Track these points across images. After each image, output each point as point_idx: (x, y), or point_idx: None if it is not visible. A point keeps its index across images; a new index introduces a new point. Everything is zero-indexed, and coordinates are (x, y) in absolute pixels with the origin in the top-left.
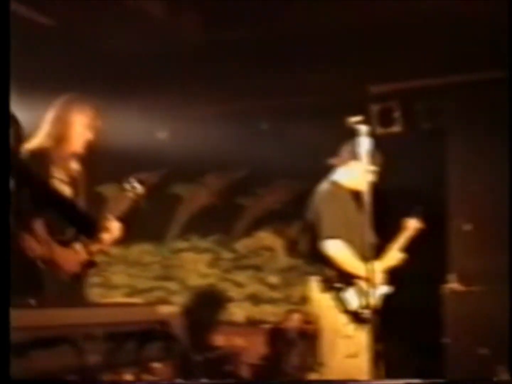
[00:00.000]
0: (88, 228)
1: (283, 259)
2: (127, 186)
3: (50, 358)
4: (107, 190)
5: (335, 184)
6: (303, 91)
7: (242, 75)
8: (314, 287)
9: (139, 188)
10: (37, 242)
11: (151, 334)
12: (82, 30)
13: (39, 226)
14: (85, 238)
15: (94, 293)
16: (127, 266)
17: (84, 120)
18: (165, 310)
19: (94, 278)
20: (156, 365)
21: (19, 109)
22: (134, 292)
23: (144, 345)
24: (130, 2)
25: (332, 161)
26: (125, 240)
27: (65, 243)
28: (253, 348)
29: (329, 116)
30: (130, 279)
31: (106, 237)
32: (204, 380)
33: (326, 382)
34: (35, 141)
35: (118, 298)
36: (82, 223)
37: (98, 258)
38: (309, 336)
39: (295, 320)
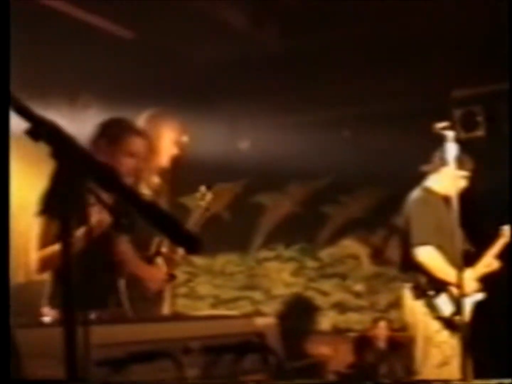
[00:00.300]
0: (184, 238)
1: (368, 267)
2: (197, 195)
3: (149, 373)
4: (189, 201)
5: (427, 190)
6: (385, 97)
7: (322, 83)
8: (406, 294)
9: (208, 195)
10: (124, 259)
11: (248, 346)
12: (163, 43)
13: (126, 243)
14: (183, 250)
15: (181, 304)
16: (212, 276)
17: (171, 135)
18: (261, 321)
19: (180, 289)
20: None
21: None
22: (219, 302)
23: (240, 358)
24: (211, 13)
25: (424, 167)
26: (209, 250)
27: (149, 259)
28: (339, 357)
29: (411, 122)
30: (215, 289)
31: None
32: None
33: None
34: None
35: (204, 308)
36: (177, 234)
37: (184, 270)
38: (396, 344)
39: (381, 328)
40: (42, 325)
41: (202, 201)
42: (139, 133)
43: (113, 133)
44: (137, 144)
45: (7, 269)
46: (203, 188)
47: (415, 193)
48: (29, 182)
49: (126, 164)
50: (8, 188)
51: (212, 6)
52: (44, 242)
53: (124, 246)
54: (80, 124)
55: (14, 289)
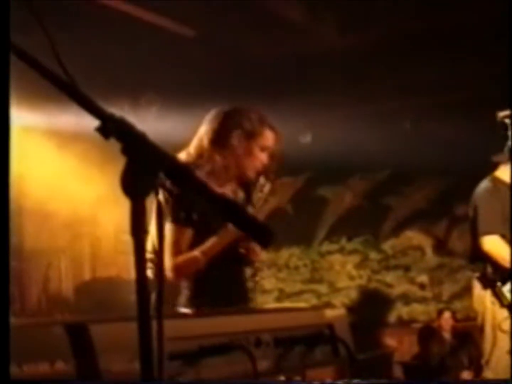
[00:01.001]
0: (258, 231)
1: (431, 258)
2: (256, 186)
3: (221, 366)
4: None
5: (496, 180)
6: (447, 87)
7: (382, 76)
8: (474, 284)
9: (267, 186)
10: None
11: (318, 338)
12: (224, 40)
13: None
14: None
15: None
16: (276, 270)
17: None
18: (330, 313)
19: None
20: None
21: (165, 121)
22: (283, 296)
23: (311, 349)
24: (270, 9)
25: (494, 158)
26: (273, 244)
27: None
28: (404, 348)
29: (474, 111)
30: (280, 283)
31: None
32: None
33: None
34: (190, 149)
35: (269, 302)
36: (251, 227)
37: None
38: (461, 334)
39: (446, 319)
40: (116, 319)
41: (261, 192)
42: (272, 127)
43: (249, 125)
44: (270, 138)
45: (7, 268)
46: (262, 179)
47: (484, 183)
48: (103, 179)
49: (260, 159)
50: (8, 188)
51: (272, 2)
52: (178, 249)
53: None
54: (143, 122)
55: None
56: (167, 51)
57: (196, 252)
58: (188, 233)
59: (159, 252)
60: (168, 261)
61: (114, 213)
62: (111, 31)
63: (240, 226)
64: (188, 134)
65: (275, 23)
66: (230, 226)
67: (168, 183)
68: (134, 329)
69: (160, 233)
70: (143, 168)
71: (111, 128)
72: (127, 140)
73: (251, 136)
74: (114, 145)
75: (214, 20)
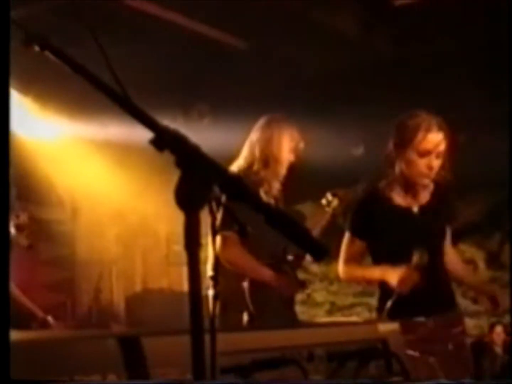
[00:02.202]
0: (312, 246)
1: (483, 272)
2: (323, 201)
3: (275, 380)
4: (305, 208)
5: None
6: (496, 99)
7: (435, 88)
8: None
9: (335, 202)
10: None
11: (371, 352)
12: (276, 52)
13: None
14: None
15: (298, 311)
16: (328, 283)
17: (289, 143)
18: (384, 327)
19: (297, 296)
20: None
21: (216, 133)
22: (334, 309)
23: (364, 364)
24: (323, 21)
25: None
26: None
27: (276, 267)
28: None
29: None
30: (331, 296)
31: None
32: None
33: None
34: (241, 162)
35: (320, 315)
36: (306, 242)
37: (300, 276)
38: None
39: (498, 333)
40: (169, 332)
41: (328, 207)
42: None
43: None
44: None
45: (7, 269)
46: (329, 195)
47: None
48: (154, 191)
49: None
50: (8, 188)
51: (324, 14)
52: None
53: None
54: (195, 134)
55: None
56: (219, 62)
57: None
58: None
59: (214, 263)
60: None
61: (166, 224)
62: (164, 43)
63: (295, 240)
64: (239, 145)
65: (327, 35)
66: None
67: (222, 196)
68: (187, 342)
69: (214, 245)
70: (198, 181)
71: (166, 140)
72: (181, 153)
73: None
74: (165, 158)
75: (266, 32)
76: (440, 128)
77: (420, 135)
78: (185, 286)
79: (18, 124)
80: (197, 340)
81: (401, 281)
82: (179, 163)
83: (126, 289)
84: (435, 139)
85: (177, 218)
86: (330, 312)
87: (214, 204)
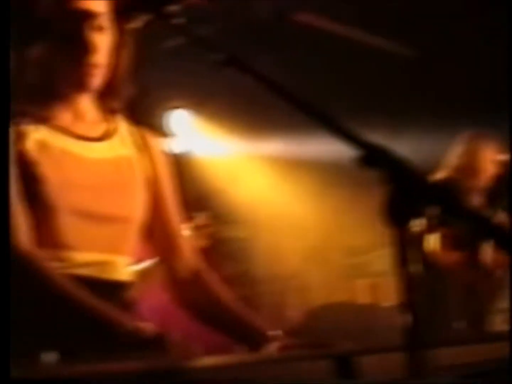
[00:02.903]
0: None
1: None
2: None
3: None
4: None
5: None
6: None
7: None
8: None
9: None
10: None
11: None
12: (445, 61)
13: None
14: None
15: None
16: None
17: (491, 156)
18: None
19: None
20: None
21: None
22: None
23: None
24: None
25: None
26: None
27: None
28: None
29: None
30: None
31: None
32: None
33: None
34: (443, 172)
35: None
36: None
37: None
38: None
39: None
40: (378, 349)
41: None
42: None
43: None
44: None
45: (8, 268)
46: None
47: None
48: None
49: None
50: (8, 188)
51: None
52: None
53: None
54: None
55: None
56: (387, 72)
57: None
58: None
59: (401, 275)
60: None
61: (343, 238)
62: (324, 53)
63: (501, 245)
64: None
65: None
66: None
67: (432, 209)
68: (396, 359)
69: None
70: (407, 196)
71: (375, 157)
72: (392, 168)
73: None
74: (343, 172)
75: (436, 40)
76: None
77: None
78: (370, 299)
79: (194, 144)
80: (412, 356)
81: None
82: (390, 179)
83: (306, 303)
84: None
85: (360, 231)
86: None
87: (426, 218)
